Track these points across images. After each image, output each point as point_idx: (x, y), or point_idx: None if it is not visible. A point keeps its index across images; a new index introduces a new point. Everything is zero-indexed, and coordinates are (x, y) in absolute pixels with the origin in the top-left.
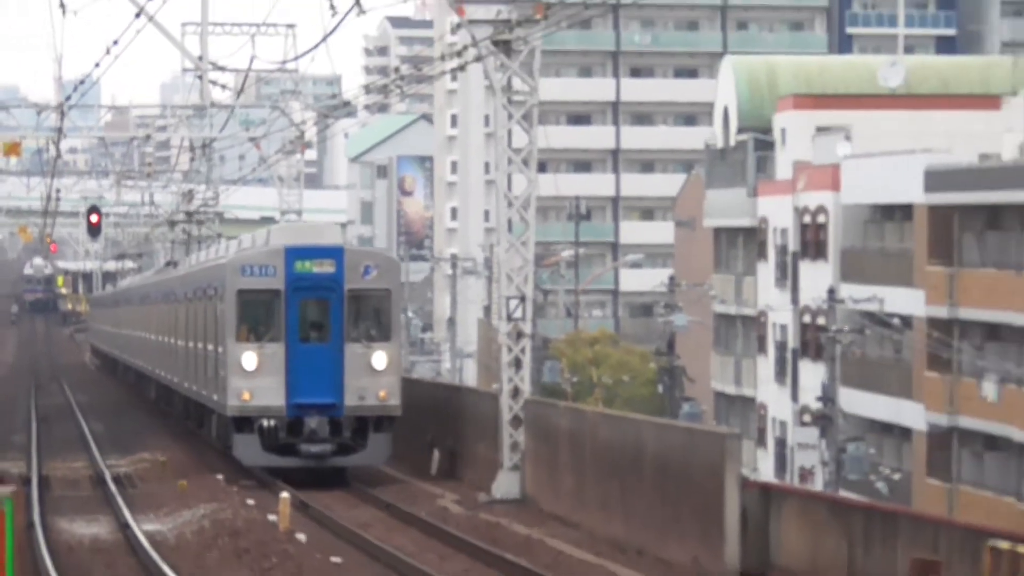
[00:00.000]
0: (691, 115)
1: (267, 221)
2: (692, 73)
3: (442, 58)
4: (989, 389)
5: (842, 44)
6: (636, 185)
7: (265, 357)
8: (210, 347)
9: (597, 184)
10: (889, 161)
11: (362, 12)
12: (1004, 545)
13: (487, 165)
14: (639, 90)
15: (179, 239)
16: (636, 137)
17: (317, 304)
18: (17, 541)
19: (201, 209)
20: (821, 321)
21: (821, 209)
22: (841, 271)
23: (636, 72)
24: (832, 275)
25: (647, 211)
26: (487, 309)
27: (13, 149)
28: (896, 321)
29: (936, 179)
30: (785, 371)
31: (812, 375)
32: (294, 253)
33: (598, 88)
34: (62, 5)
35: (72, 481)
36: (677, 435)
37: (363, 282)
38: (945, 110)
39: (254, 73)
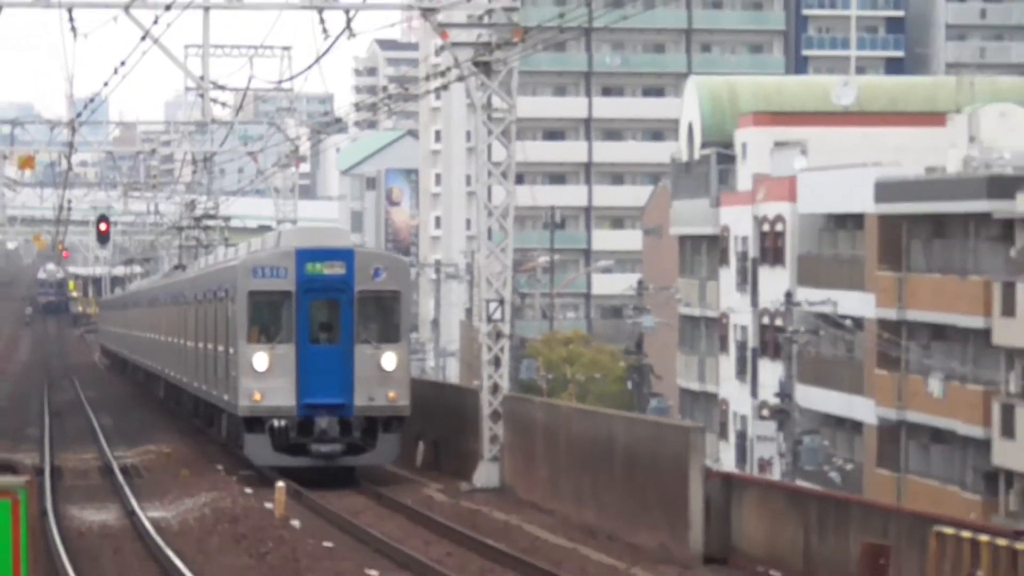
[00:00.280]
0: (658, 131)
1: (264, 229)
2: (659, 92)
3: (427, 78)
4: (935, 386)
5: (798, 65)
6: (607, 196)
7: (276, 358)
8: (221, 348)
9: (571, 195)
10: (842, 174)
11: (353, 35)
12: (949, 531)
13: (468, 177)
14: (610, 108)
15: (186, 244)
16: (607, 151)
17: (327, 305)
18: (31, 527)
19: (210, 214)
20: (779, 322)
21: (779, 218)
22: (798, 276)
23: (607, 91)
24: (789, 280)
25: (617, 220)
26: (468, 311)
27: (28, 162)
28: (848, 322)
29: (886, 190)
30: (745, 369)
31: (770, 373)
32: (305, 255)
33: (572, 106)
34: (73, 29)
35: (82, 471)
36: (645, 428)
37: (373, 284)
38: (894, 127)
39: (252, 92)
